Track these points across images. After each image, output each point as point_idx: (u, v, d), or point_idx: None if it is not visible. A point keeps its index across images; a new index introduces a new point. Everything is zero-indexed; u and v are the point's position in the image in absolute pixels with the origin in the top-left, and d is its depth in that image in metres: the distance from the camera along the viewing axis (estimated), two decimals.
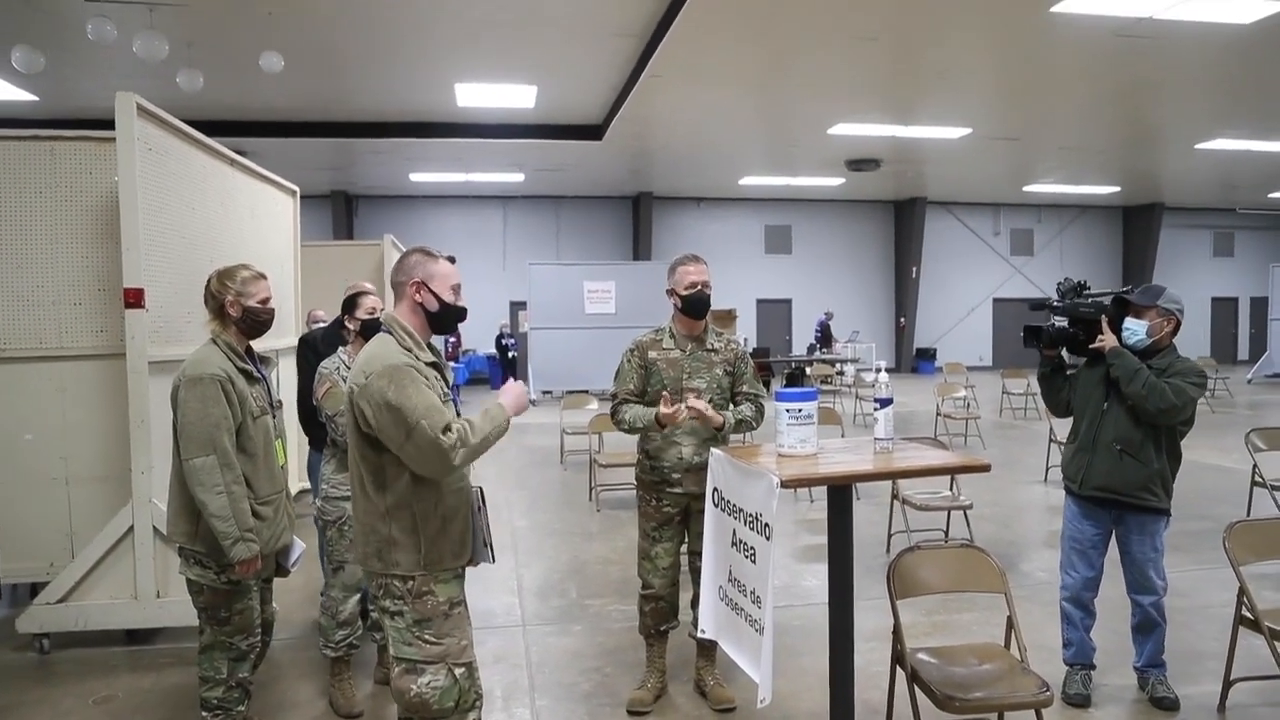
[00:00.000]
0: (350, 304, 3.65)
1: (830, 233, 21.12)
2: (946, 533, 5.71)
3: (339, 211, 18.68)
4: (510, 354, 16.60)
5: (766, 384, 16.41)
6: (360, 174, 16.65)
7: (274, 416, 3.07)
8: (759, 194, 19.71)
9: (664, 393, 3.26)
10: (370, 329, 3.50)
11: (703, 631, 2.92)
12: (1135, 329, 3.39)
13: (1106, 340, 3.41)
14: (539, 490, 7.93)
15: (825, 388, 14.37)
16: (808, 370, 16.28)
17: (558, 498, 7.63)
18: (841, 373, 17.15)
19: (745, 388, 3.44)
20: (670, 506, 3.41)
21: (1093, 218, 22.18)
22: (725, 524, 2.77)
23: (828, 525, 2.71)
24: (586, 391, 12.79)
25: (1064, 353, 3.63)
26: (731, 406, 3.44)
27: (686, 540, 3.49)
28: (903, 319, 21.07)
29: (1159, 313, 3.38)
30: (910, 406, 13.48)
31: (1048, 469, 8.13)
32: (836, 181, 17.90)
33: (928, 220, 20.80)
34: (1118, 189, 19.20)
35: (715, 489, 2.84)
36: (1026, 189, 19.04)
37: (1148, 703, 3.44)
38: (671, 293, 3.42)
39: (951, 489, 5.64)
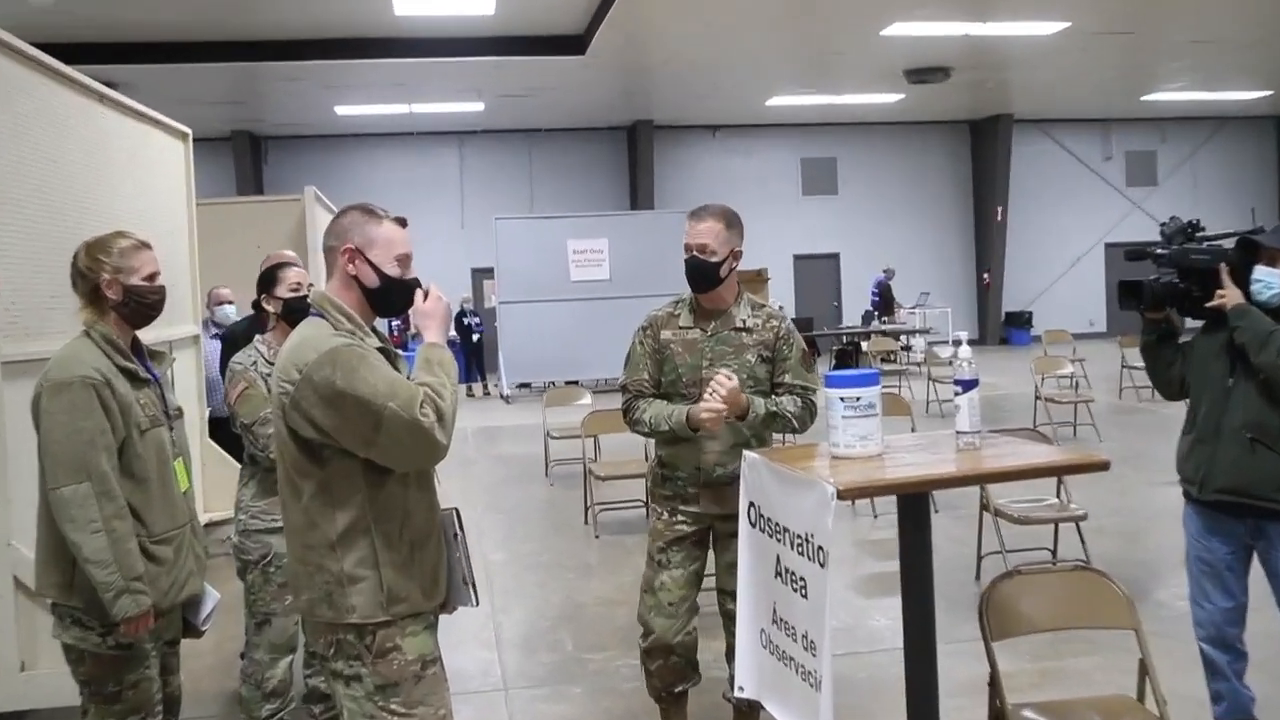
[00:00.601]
0: (268, 279, 3.65)
1: (887, 166, 21.04)
2: (1054, 552, 5.73)
3: (243, 158, 18.64)
4: (475, 336, 16.62)
5: None
6: (270, 108, 16.61)
7: (171, 428, 3.06)
8: (793, 118, 19.61)
9: (713, 380, 3.25)
10: (295, 311, 3.50)
11: (740, 690, 2.93)
12: (1269, 280, 3.35)
13: (1228, 296, 3.38)
14: (518, 513, 7.95)
15: (887, 367, 14.37)
16: (864, 346, 16.25)
17: (543, 521, 7.63)
18: (908, 347, 17.13)
19: (788, 377, 3.41)
20: (685, 524, 3.43)
21: (1235, 133, 22.06)
22: (766, 549, 2.76)
23: (900, 547, 2.70)
24: (577, 383, 12.79)
25: (1174, 314, 3.61)
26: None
27: (715, 574, 3.49)
28: (986, 275, 21.04)
29: None
30: (1000, 389, 13.46)
31: None
32: (893, 98, 17.81)
33: (1016, 144, 20.74)
34: (1269, 93, 19.08)
35: (751, 504, 2.84)
36: (1146, 99, 18.95)
37: None
38: None
39: (1059, 495, 5.66)
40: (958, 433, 2.79)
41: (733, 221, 3.40)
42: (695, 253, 3.35)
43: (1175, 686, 3.78)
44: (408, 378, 2.42)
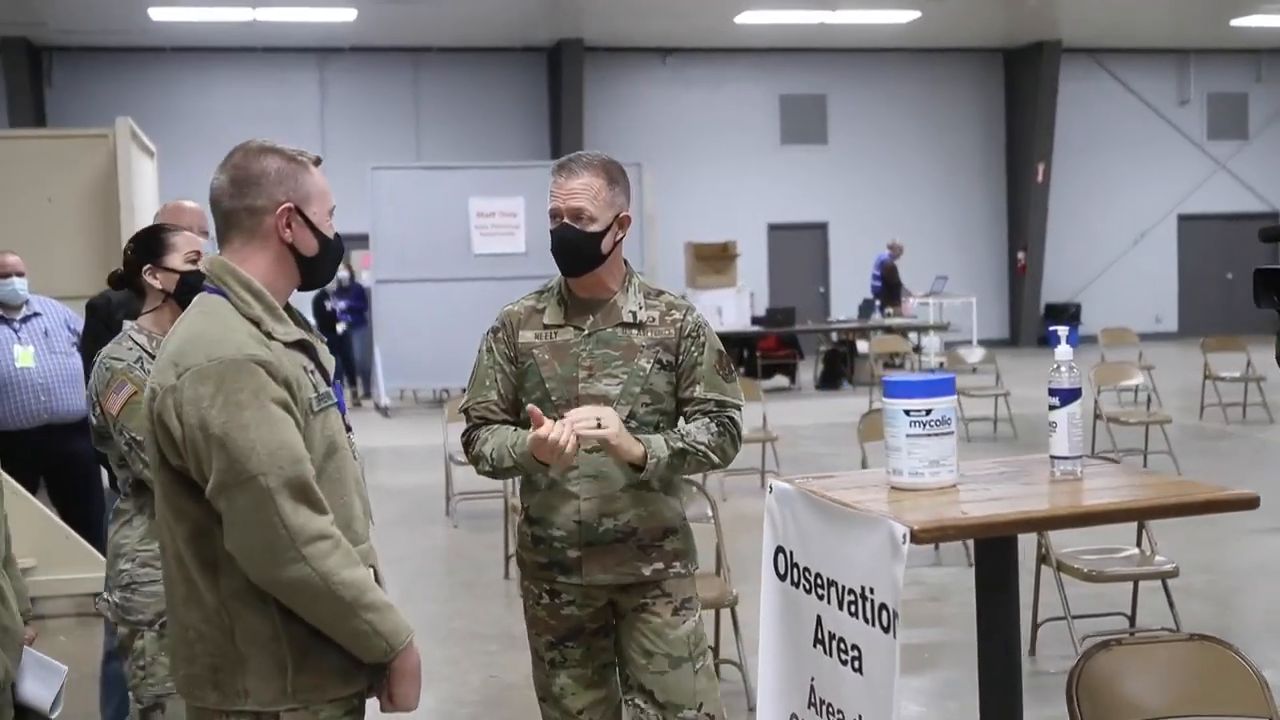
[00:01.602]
0: (152, 245, 3.61)
1: (893, 108, 21.24)
2: (1133, 619, 5.84)
3: (18, 76, 18.34)
4: (339, 326, 16.44)
5: (787, 370, 16.47)
6: (57, 7, 16.28)
7: None
8: (770, 41, 19.72)
9: (555, 406, 3.19)
10: (194, 290, 3.47)
11: None
12: None
13: None
14: (412, 565, 7.89)
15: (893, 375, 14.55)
16: (861, 346, 16.35)
17: (448, 576, 7.63)
18: (919, 349, 17.24)
19: (699, 390, 3.33)
20: (575, 606, 3.35)
21: None
22: (801, 608, 2.80)
23: (978, 610, 2.74)
24: None
25: None
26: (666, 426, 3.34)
27: (628, 670, 3.38)
28: (1022, 254, 21.30)
29: None
30: (1039, 405, 13.63)
31: None
32: (904, 17, 17.98)
33: (1064, 82, 21.07)
34: None
35: (780, 549, 2.88)
36: (1237, 23, 19.26)
37: None
38: None
39: (1140, 544, 5.75)
40: (1053, 458, 2.84)
41: (616, 176, 3.32)
42: (566, 220, 3.26)
43: None
44: (335, 383, 2.45)
